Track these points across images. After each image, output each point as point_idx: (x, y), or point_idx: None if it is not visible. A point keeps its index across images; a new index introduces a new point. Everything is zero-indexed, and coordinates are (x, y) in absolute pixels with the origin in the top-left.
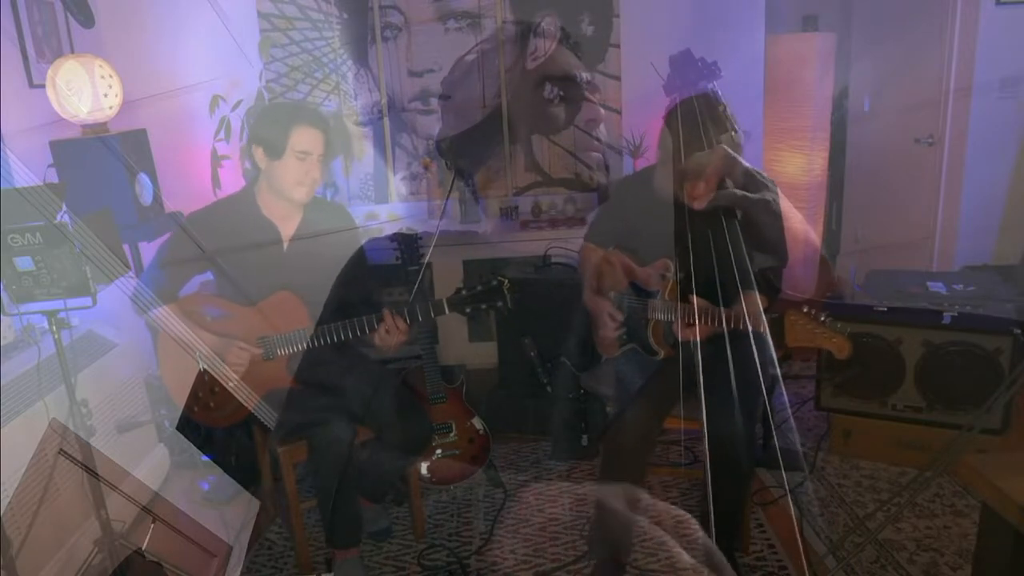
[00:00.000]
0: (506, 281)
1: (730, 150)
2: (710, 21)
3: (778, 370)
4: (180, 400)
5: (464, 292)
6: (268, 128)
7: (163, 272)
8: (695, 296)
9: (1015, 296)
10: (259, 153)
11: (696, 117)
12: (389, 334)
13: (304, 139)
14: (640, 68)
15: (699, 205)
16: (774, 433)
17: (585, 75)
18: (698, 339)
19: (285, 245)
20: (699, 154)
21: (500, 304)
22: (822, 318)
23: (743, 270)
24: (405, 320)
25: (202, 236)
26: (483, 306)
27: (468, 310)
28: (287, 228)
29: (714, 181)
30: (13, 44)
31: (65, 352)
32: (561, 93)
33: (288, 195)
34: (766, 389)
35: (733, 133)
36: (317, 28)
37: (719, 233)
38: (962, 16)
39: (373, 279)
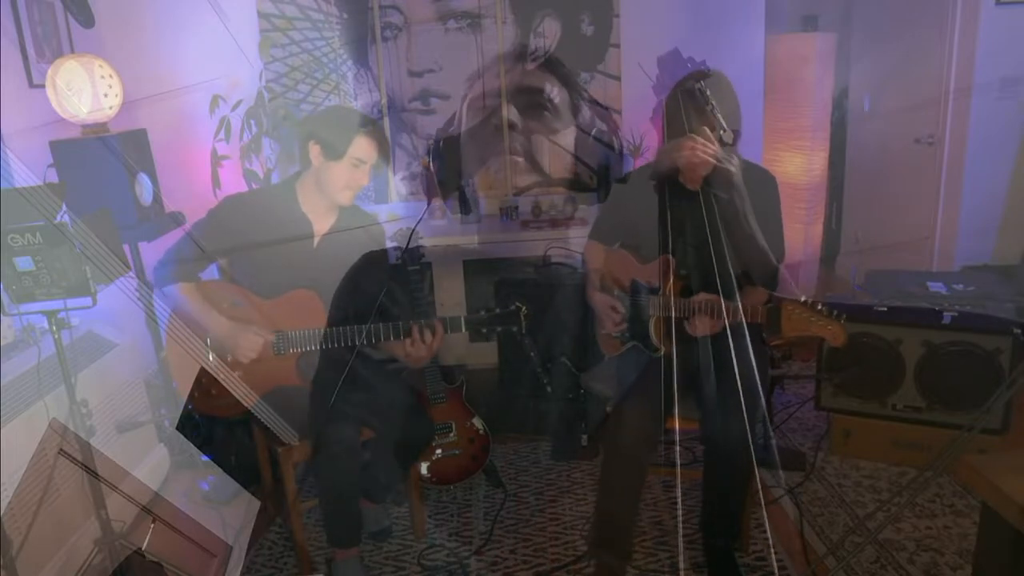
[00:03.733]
0: (523, 308)
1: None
2: (710, 21)
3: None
4: (183, 385)
5: (483, 313)
6: (331, 129)
7: (188, 252)
8: (704, 292)
9: (1015, 296)
10: (315, 150)
11: (680, 112)
12: (415, 346)
13: (364, 148)
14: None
15: (697, 162)
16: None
17: (557, 96)
18: (708, 334)
19: (315, 242)
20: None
21: (515, 329)
22: (819, 307)
23: (742, 262)
24: (432, 333)
25: (236, 221)
26: (498, 328)
27: (483, 330)
28: (321, 226)
29: (709, 150)
30: (13, 44)
31: (65, 352)
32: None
33: (334, 197)
34: (765, 388)
35: (722, 132)
36: (317, 28)
37: (716, 225)
38: (962, 16)
39: (386, 285)
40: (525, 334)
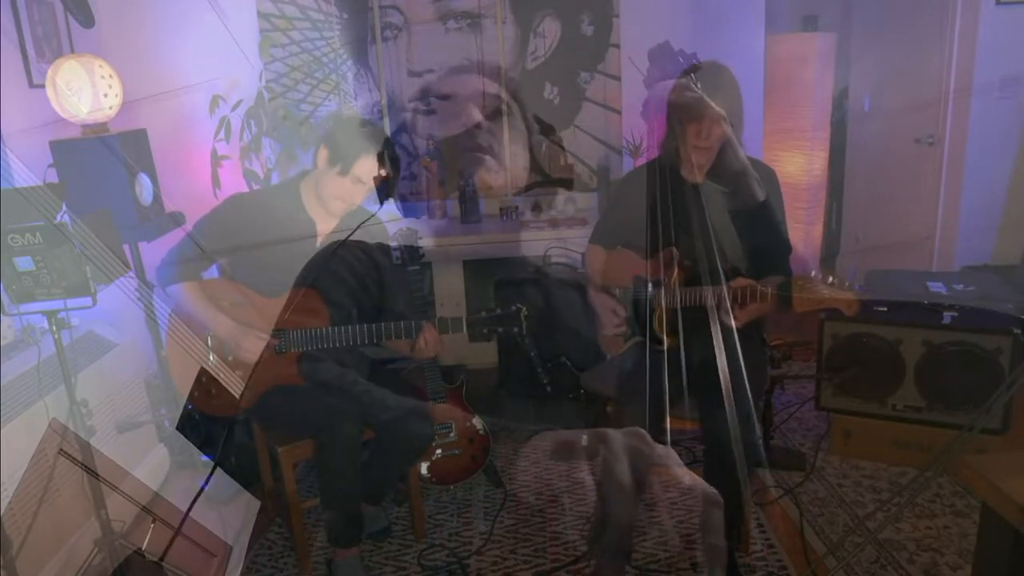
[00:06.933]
0: (524, 309)
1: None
2: (710, 21)
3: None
4: (182, 384)
5: (484, 315)
6: (345, 139)
7: (191, 251)
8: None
9: (1015, 296)
10: (323, 155)
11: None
12: (428, 345)
13: (367, 169)
14: (640, 68)
15: (704, 144)
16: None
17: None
18: (750, 319)
19: (318, 241)
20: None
21: (516, 330)
22: (830, 280)
23: (748, 252)
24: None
25: (239, 220)
26: (499, 329)
27: (484, 331)
28: (324, 226)
29: (714, 131)
30: (13, 44)
31: (65, 352)
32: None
33: (326, 203)
34: (765, 387)
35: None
36: (317, 28)
37: (720, 216)
38: (962, 16)
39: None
40: (525, 334)
